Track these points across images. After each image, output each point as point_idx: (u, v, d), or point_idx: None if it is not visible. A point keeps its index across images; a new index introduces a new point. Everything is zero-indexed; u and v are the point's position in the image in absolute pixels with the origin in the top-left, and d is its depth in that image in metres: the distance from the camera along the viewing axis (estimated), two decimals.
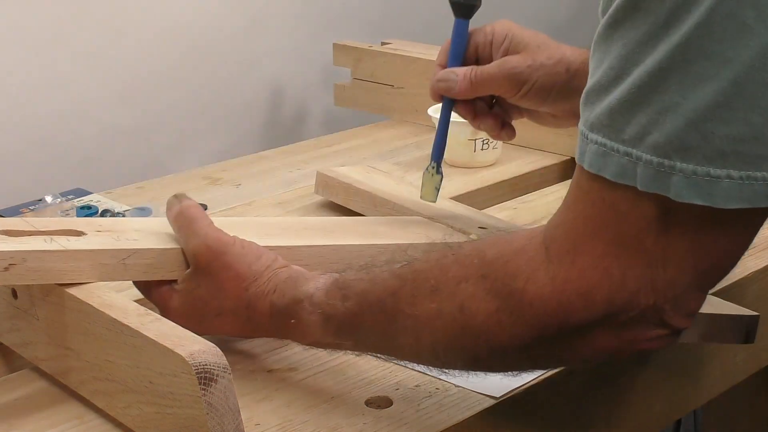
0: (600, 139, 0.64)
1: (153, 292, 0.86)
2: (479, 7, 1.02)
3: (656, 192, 0.62)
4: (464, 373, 0.79)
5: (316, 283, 0.80)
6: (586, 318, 0.66)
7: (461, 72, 0.98)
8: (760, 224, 0.66)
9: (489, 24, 1.00)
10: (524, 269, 0.67)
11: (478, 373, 0.78)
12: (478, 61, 1.00)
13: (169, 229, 0.89)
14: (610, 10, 0.64)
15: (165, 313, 0.85)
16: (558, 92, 0.97)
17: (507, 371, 0.77)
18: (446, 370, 0.79)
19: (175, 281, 0.85)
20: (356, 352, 0.82)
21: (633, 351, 0.68)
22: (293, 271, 0.83)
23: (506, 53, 0.98)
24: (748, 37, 0.58)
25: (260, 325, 0.83)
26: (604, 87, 0.64)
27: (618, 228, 0.65)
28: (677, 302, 0.66)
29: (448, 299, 0.71)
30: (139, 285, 0.88)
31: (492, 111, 1.02)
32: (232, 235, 0.86)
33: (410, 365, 0.84)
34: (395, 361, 0.83)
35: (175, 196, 0.89)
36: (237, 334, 0.86)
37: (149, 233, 0.88)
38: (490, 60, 0.99)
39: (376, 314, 0.76)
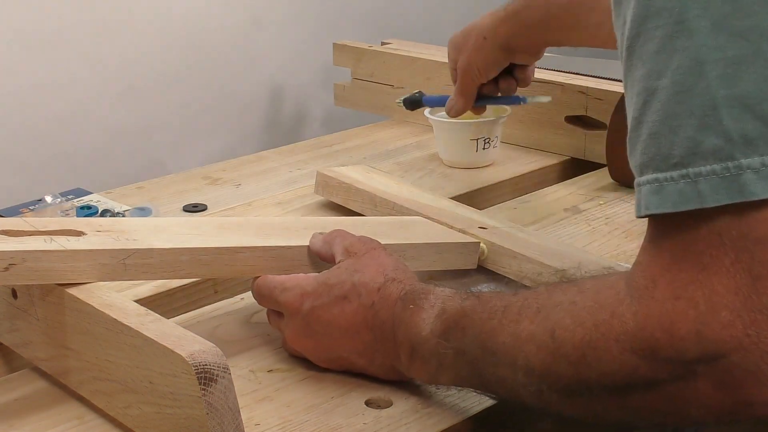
0: (650, 176, 0.59)
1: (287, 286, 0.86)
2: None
3: (728, 201, 0.56)
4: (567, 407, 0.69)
5: (443, 288, 0.80)
6: (677, 357, 0.59)
7: (454, 96, 1.24)
8: None
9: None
10: (610, 302, 0.62)
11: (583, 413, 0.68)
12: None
13: (170, 229, 0.89)
14: (625, 38, 0.60)
15: (293, 310, 0.85)
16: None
17: (607, 420, 0.67)
18: (547, 405, 0.70)
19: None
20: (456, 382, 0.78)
21: (752, 414, 0.58)
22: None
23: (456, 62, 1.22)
24: None
25: (387, 306, 0.81)
26: (638, 120, 0.59)
27: (695, 252, 0.58)
28: None
29: (543, 322, 0.67)
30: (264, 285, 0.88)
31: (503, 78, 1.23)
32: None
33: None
34: (492, 396, 0.78)
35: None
36: (361, 325, 0.83)
37: (149, 233, 0.88)
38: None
39: (485, 321, 0.72)
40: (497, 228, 1.06)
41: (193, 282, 1.03)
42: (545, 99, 1.25)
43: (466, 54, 1.20)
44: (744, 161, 0.56)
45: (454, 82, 1.24)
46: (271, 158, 1.43)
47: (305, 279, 0.85)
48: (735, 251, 0.57)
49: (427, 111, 1.36)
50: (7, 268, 0.78)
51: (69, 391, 0.85)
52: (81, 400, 0.84)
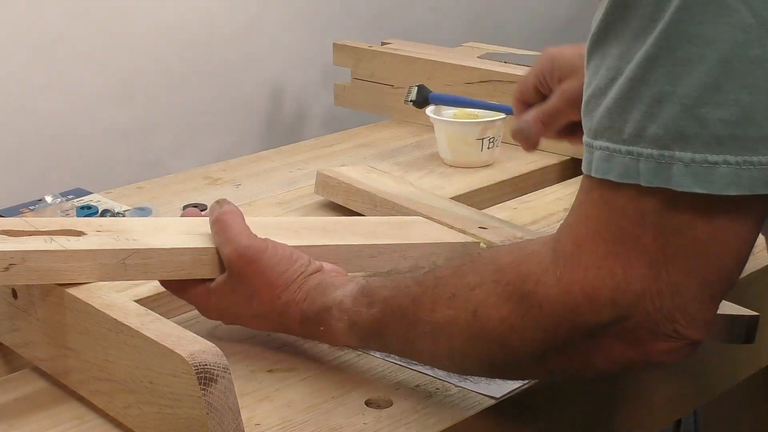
0: (603, 143, 0.64)
1: (189, 291, 0.88)
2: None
3: (658, 186, 0.62)
4: (484, 380, 0.80)
5: (344, 290, 0.82)
6: (594, 320, 0.66)
7: (531, 116, 1.01)
8: (762, 218, 0.65)
9: (536, 61, 1.03)
10: (534, 271, 0.68)
11: (497, 381, 0.80)
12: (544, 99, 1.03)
13: (170, 229, 0.89)
14: (601, 14, 0.64)
15: (202, 311, 0.88)
16: None
17: (523, 379, 0.77)
18: (466, 377, 0.80)
19: (210, 281, 0.87)
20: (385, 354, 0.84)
21: (648, 363, 0.68)
22: (325, 277, 0.85)
23: (561, 80, 1.00)
24: (728, 14, 0.58)
25: (291, 329, 0.86)
26: (602, 91, 0.64)
27: (619, 227, 0.65)
28: (687, 310, 0.65)
29: (463, 305, 0.71)
30: (171, 285, 0.89)
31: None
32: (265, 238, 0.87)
33: (430, 369, 0.84)
34: (418, 367, 0.84)
35: (218, 202, 0.90)
36: (270, 330, 0.89)
37: (149, 233, 0.88)
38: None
39: (398, 320, 0.77)
40: (497, 228, 1.06)
41: None
42: None
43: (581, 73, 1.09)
44: (677, 153, 0.61)
45: (522, 101, 1.04)
46: (271, 158, 1.43)
47: (208, 301, 0.87)
48: (654, 233, 0.63)
49: (429, 110, 1.36)
50: (7, 268, 0.78)
51: (69, 391, 0.85)
52: (81, 400, 0.84)
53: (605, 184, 0.64)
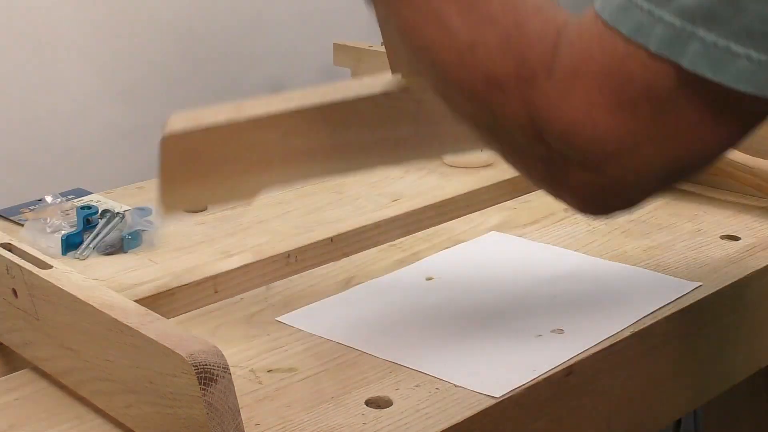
0: None
1: None
2: None
3: (668, 57, 0.59)
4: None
5: None
6: (558, 149, 0.64)
7: None
8: (748, 129, 0.63)
9: None
10: (533, 60, 0.64)
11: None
12: None
13: None
14: None
15: None
16: None
17: (463, 116, 0.71)
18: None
19: None
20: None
21: (561, 184, 0.67)
22: None
23: None
24: None
25: None
26: None
27: (619, 84, 0.61)
28: (644, 181, 0.64)
29: (473, 28, 0.66)
30: None
31: None
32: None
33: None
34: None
35: None
36: None
37: None
38: None
39: None
40: None
41: (193, 282, 1.03)
42: None
43: None
44: (700, 31, 0.58)
45: None
46: None
47: None
48: (650, 105, 0.61)
49: None
50: None
51: (69, 391, 0.85)
52: (81, 400, 0.84)
53: (616, 33, 0.61)
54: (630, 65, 0.61)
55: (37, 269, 0.84)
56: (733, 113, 0.61)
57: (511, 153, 0.71)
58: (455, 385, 0.85)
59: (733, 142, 0.64)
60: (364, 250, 1.13)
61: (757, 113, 0.62)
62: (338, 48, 1.61)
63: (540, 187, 0.71)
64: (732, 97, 0.59)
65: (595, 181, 0.65)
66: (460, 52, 0.67)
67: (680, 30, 0.58)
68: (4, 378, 0.89)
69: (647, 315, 0.95)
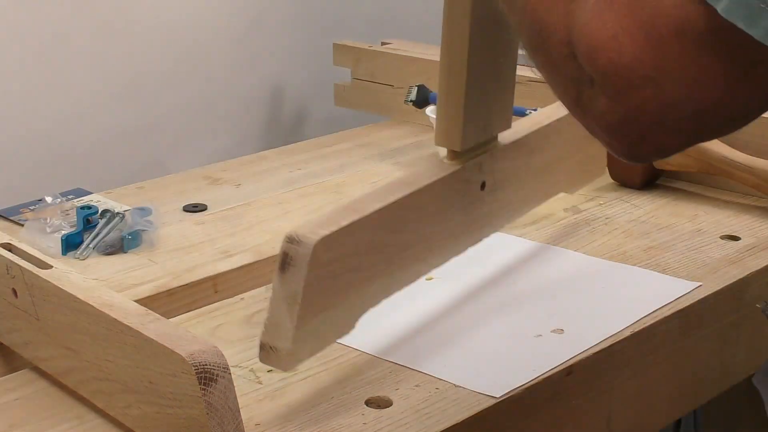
0: None
1: None
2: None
3: (738, 22, 0.57)
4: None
5: None
6: (585, 66, 0.64)
7: None
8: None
9: None
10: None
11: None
12: None
13: None
14: None
15: None
16: None
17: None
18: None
19: None
20: None
21: (588, 111, 0.66)
22: None
23: None
24: None
25: None
26: None
27: (651, 18, 0.61)
28: (663, 125, 0.63)
29: None
30: None
31: None
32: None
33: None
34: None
35: None
36: None
37: None
38: None
39: None
40: None
41: (193, 282, 1.03)
42: None
43: None
44: None
45: None
46: (271, 158, 1.43)
47: None
48: (681, 46, 0.60)
49: (429, 110, 1.36)
50: None
51: (69, 391, 0.85)
52: (81, 400, 0.84)
53: None
54: (665, 1, 0.60)
55: (37, 269, 0.84)
56: (762, 72, 0.60)
57: (549, 71, 0.70)
58: (455, 385, 0.85)
59: (762, 105, 0.63)
60: None
61: None
62: (338, 48, 1.61)
63: (573, 114, 0.70)
64: (763, 54, 0.58)
65: (618, 109, 0.64)
66: None
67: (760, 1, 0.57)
68: (4, 378, 0.89)
69: (647, 315, 0.95)
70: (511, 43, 0.94)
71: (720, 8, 0.58)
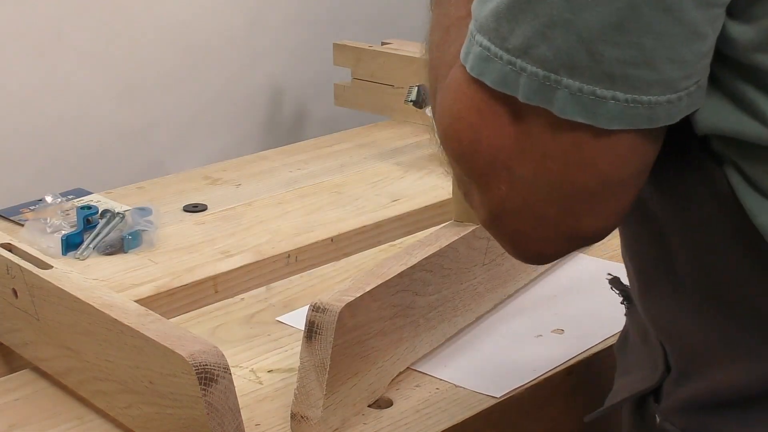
0: (485, 42, 0.61)
1: None
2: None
3: (539, 105, 0.59)
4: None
5: None
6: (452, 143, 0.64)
7: None
8: (645, 156, 0.61)
9: None
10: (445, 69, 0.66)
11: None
12: None
13: None
14: None
15: None
16: None
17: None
18: None
19: None
20: None
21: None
22: None
23: None
24: None
25: None
26: None
27: (498, 133, 0.61)
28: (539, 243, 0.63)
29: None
30: None
31: None
32: None
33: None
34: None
35: None
36: None
37: None
38: None
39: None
40: None
41: (193, 282, 1.03)
42: None
43: None
44: (564, 80, 0.58)
45: None
46: (271, 158, 1.43)
47: None
48: (532, 157, 0.60)
49: (429, 110, 1.36)
50: None
51: (69, 391, 0.85)
52: (81, 400, 0.84)
53: (482, 86, 0.61)
54: (497, 110, 0.61)
55: (38, 269, 0.84)
56: (618, 143, 0.60)
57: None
58: (455, 386, 0.85)
59: (629, 169, 0.61)
60: (364, 250, 1.13)
61: (641, 137, 0.60)
62: (338, 48, 1.61)
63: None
64: (611, 132, 0.59)
65: (485, 201, 0.63)
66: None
67: (545, 79, 0.58)
68: (4, 378, 0.89)
69: None
70: None
71: (556, 110, 0.59)
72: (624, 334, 0.78)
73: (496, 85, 0.60)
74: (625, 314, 0.78)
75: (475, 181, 0.64)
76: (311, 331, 0.77)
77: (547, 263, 0.71)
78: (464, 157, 0.64)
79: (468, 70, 0.62)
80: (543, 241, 0.64)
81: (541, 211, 0.62)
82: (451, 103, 0.64)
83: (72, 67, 1.46)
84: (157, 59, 1.55)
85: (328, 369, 0.77)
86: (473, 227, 0.92)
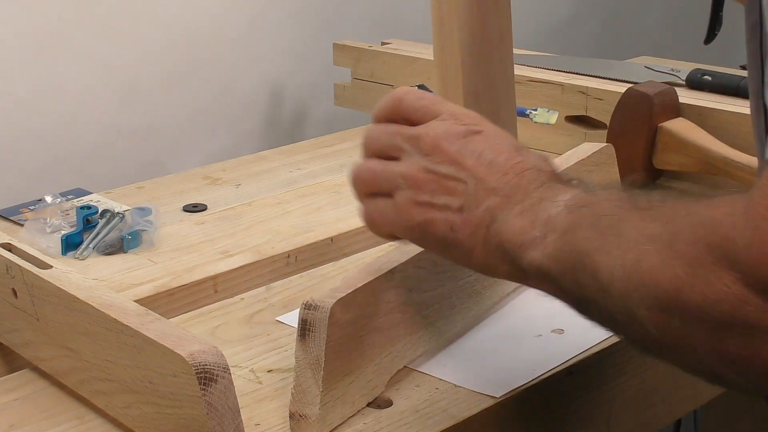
0: None
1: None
2: None
3: None
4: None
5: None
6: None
7: None
8: None
9: None
10: (725, 223, 0.56)
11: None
12: None
13: None
14: None
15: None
16: None
17: (695, 362, 0.61)
18: (629, 316, 0.63)
19: None
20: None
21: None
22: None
23: None
24: None
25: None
26: None
27: None
28: None
29: (669, 227, 0.61)
30: None
31: None
32: None
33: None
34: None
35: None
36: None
37: None
38: None
39: (612, 209, 0.66)
40: None
41: (193, 282, 1.03)
42: (552, 120, 1.24)
43: None
44: None
45: None
46: (271, 158, 1.43)
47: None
48: None
49: None
50: None
51: (69, 391, 0.85)
52: (81, 400, 0.84)
53: None
54: None
55: (37, 269, 0.84)
56: None
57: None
58: (455, 386, 0.85)
59: None
60: (364, 250, 1.13)
61: None
62: (338, 48, 1.61)
63: (722, 371, 0.59)
64: None
65: None
66: (662, 253, 0.60)
67: None
68: (4, 378, 0.89)
69: None
70: (506, 60, 0.94)
71: None
72: None
73: None
74: None
75: None
76: (304, 329, 0.77)
77: None
78: None
79: None
80: None
81: None
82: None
83: (72, 67, 1.46)
84: (157, 59, 1.55)
85: (323, 366, 0.77)
86: None
